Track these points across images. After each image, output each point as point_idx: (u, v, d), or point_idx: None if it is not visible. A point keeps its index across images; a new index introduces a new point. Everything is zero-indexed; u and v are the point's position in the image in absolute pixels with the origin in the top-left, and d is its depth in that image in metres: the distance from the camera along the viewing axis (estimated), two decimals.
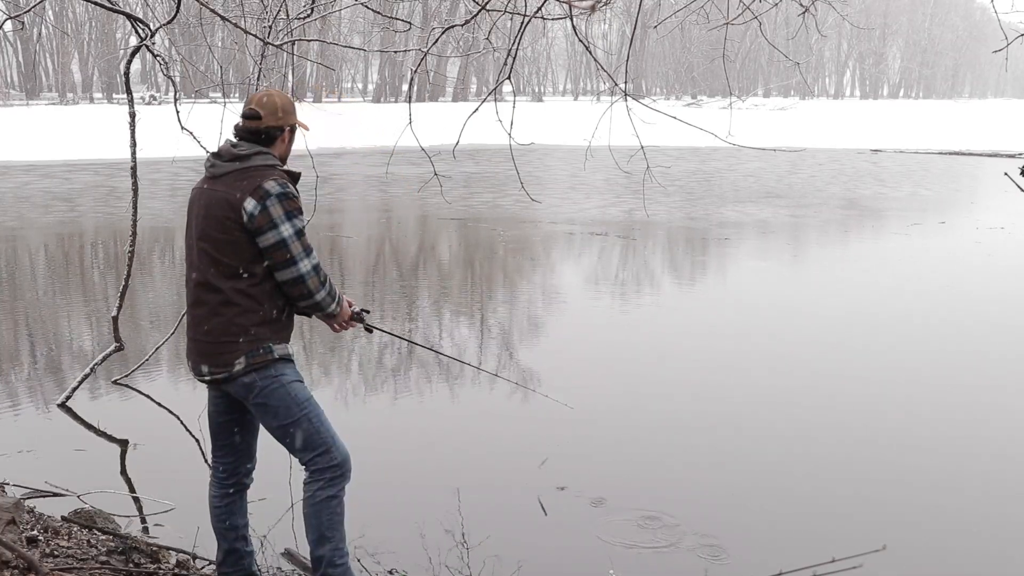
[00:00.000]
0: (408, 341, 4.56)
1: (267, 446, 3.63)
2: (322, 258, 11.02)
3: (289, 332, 3.40)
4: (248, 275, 3.24)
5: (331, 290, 3.38)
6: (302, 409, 3.31)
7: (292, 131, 3.43)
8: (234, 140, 3.36)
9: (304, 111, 3.87)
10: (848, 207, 17.30)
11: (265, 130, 3.33)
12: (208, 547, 3.97)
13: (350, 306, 3.56)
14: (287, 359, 3.35)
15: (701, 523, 4.64)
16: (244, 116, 3.36)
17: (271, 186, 3.20)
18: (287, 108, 3.38)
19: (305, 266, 3.26)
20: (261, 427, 3.52)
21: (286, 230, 3.20)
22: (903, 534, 4.55)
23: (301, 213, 3.27)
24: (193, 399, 6.27)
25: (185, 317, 3.51)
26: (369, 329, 3.77)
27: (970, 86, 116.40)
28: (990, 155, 29.68)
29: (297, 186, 3.38)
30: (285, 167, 3.38)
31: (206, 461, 5.14)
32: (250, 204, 3.18)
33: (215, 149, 3.46)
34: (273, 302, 3.30)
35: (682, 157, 27.26)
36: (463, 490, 4.90)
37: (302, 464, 3.38)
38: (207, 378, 3.35)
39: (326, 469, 3.33)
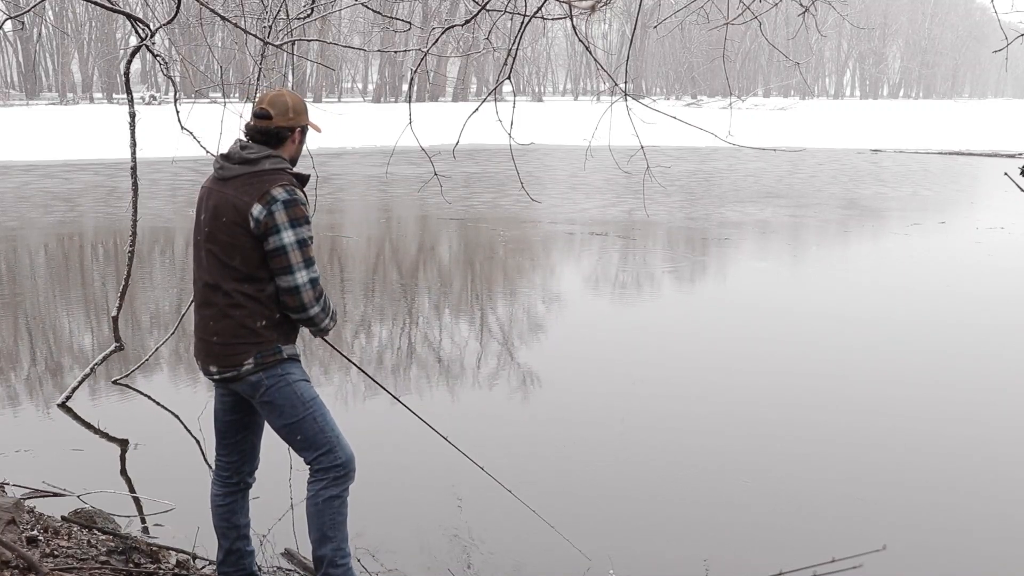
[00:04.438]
0: (358, 367, 4.68)
1: (267, 446, 3.63)
2: (322, 258, 10.97)
3: (296, 333, 3.40)
4: (256, 279, 3.24)
5: (326, 306, 3.35)
6: (307, 408, 3.32)
7: (303, 132, 3.39)
8: (244, 141, 3.33)
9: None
10: (848, 207, 17.30)
11: (276, 130, 3.30)
12: (208, 547, 3.98)
13: None
14: (294, 359, 3.36)
15: (701, 523, 4.65)
16: (254, 115, 3.32)
17: (278, 192, 3.18)
18: (298, 108, 3.35)
19: (302, 277, 3.22)
20: (266, 427, 3.53)
21: (287, 237, 3.18)
22: (903, 534, 4.55)
23: (307, 222, 3.23)
24: (193, 399, 6.28)
25: (186, 317, 3.53)
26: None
27: (970, 86, 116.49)
28: (990, 155, 29.68)
29: (306, 188, 3.37)
30: (294, 170, 3.36)
31: (206, 461, 5.16)
32: (256, 209, 3.17)
33: (216, 149, 3.45)
34: (280, 305, 3.30)
35: (682, 157, 27.26)
36: (463, 490, 4.90)
37: (306, 463, 3.38)
38: (216, 377, 3.36)
39: (330, 469, 3.33)
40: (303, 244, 3.21)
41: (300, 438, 3.34)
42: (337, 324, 3.52)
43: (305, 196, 3.29)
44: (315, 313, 3.30)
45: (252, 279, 3.24)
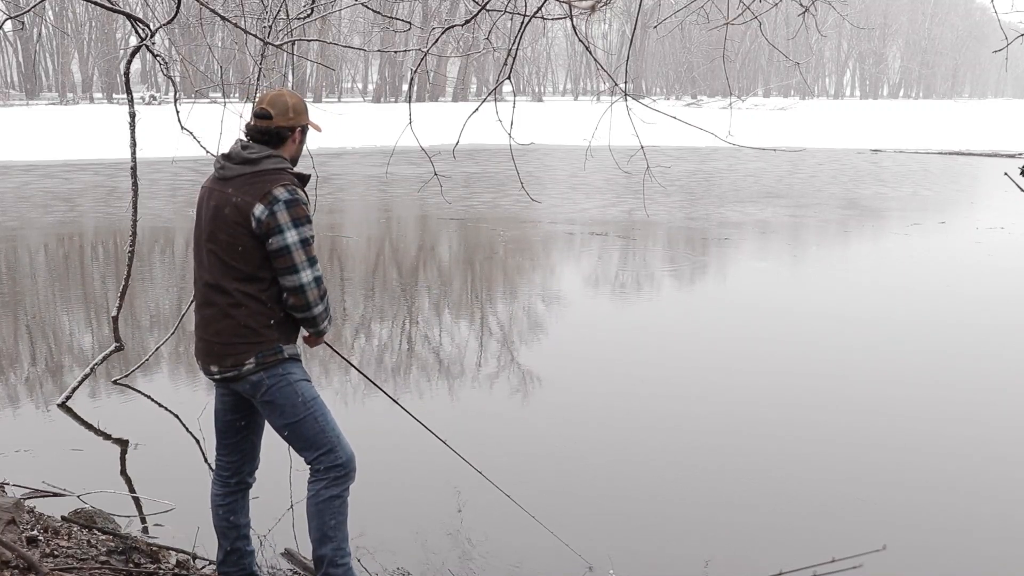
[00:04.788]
0: (357, 369, 4.70)
1: (267, 446, 3.63)
2: (322, 258, 10.91)
3: (297, 332, 3.41)
4: (257, 279, 3.24)
5: (328, 307, 3.38)
6: (307, 408, 3.32)
7: (303, 132, 3.40)
8: (245, 141, 3.34)
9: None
10: (848, 207, 17.31)
11: (276, 130, 3.31)
12: (208, 547, 3.98)
13: None
14: (295, 358, 3.36)
15: (701, 523, 4.65)
16: (255, 115, 3.34)
17: (280, 192, 3.19)
18: (298, 108, 3.36)
19: (306, 276, 3.24)
20: (266, 427, 3.53)
21: (291, 236, 3.19)
22: (903, 534, 4.55)
23: (309, 221, 3.25)
24: (193, 399, 6.28)
25: (186, 317, 3.53)
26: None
27: (970, 86, 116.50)
28: (990, 155, 29.69)
29: (306, 188, 3.38)
30: (295, 169, 3.36)
31: (206, 461, 5.17)
32: (258, 209, 3.18)
33: (216, 149, 3.45)
34: (282, 305, 3.30)
35: (682, 157, 27.26)
36: (463, 490, 4.90)
37: (307, 463, 3.38)
38: (216, 377, 3.36)
39: (330, 468, 3.33)
40: (306, 243, 3.23)
41: (301, 438, 3.34)
42: (332, 327, 3.53)
43: (306, 195, 3.30)
44: (319, 312, 3.32)
45: (253, 279, 3.24)
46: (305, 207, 3.24)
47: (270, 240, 3.19)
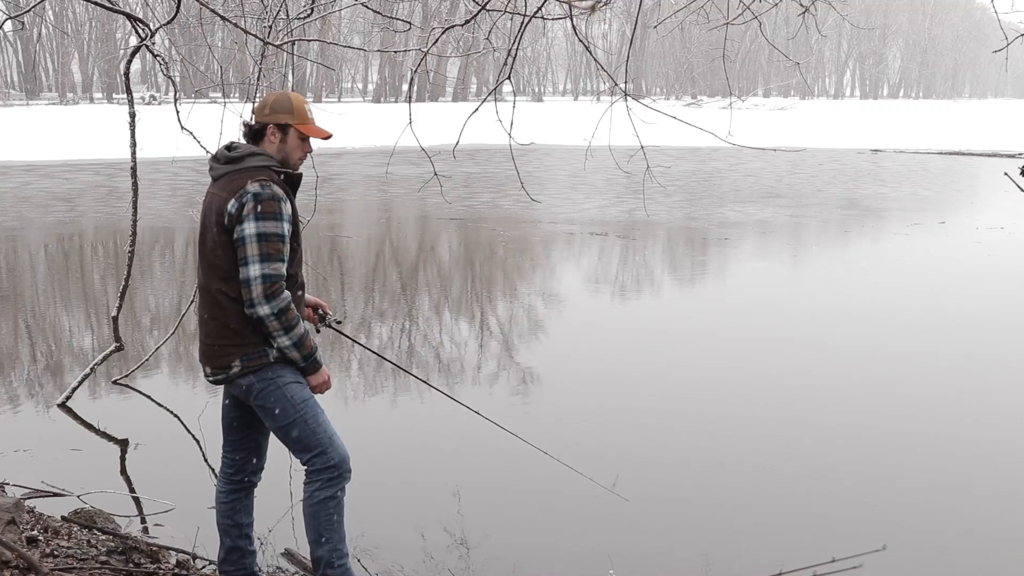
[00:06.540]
0: (376, 353, 4.64)
1: (269, 445, 3.63)
2: (322, 258, 10.89)
3: None
4: (236, 279, 3.21)
5: (280, 313, 3.16)
6: (298, 410, 3.30)
7: (282, 130, 3.32)
8: (233, 142, 3.37)
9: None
10: (848, 207, 17.30)
11: (251, 126, 3.36)
12: (208, 547, 3.98)
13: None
14: (284, 361, 3.32)
15: (701, 523, 4.65)
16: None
17: (252, 186, 3.16)
18: (278, 106, 3.32)
19: (254, 270, 3.13)
20: None
21: (249, 228, 3.13)
22: (903, 534, 4.55)
23: (275, 218, 3.14)
24: (193, 399, 6.28)
25: (186, 317, 3.53)
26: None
27: (970, 86, 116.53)
28: (990, 155, 29.68)
29: (295, 189, 3.35)
30: (284, 169, 3.31)
31: (206, 461, 5.17)
32: (230, 204, 3.16)
33: (215, 150, 3.45)
34: None
35: (682, 157, 27.25)
36: (463, 490, 4.90)
37: (302, 465, 3.38)
38: (210, 379, 3.37)
39: (323, 470, 3.32)
40: (264, 237, 3.13)
41: (293, 440, 3.33)
42: (315, 364, 3.30)
43: (287, 194, 3.24)
44: (264, 314, 3.16)
45: (233, 279, 3.21)
46: (276, 203, 3.15)
47: (234, 232, 3.16)
